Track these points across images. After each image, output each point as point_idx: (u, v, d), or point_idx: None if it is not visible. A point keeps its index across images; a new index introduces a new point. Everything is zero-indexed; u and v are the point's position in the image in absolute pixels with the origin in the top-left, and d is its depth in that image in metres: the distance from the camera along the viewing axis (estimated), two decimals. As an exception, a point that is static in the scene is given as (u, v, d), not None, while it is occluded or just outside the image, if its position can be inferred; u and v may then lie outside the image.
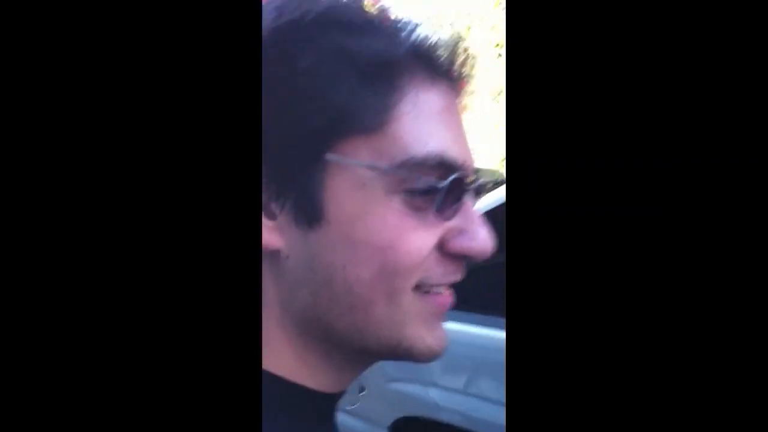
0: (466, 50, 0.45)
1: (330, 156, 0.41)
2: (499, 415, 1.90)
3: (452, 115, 0.44)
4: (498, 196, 2.07)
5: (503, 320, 1.93)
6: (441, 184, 0.41)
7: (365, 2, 0.44)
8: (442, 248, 0.43)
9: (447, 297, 0.45)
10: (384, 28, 0.43)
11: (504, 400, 1.84)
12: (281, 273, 0.43)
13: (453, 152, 0.42)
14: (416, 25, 0.44)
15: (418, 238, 0.42)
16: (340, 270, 0.42)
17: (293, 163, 0.41)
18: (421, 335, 0.43)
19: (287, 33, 0.41)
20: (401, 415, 2.21)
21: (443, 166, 0.42)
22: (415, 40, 0.43)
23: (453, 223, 0.43)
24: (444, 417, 2.06)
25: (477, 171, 0.45)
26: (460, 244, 0.43)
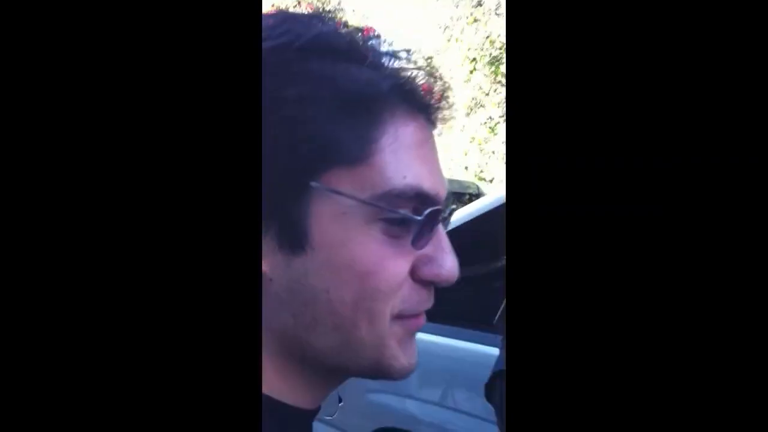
0: (444, 85, 0.48)
1: (315, 185, 0.43)
2: (473, 427, 1.91)
3: (428, 148, 0.47)
4: (480, 205, 2.10)
5: (479, 333, 1.96)
6: (418, 217, 0.44)
7: (354, 30, 0.47)
8: (413, 275, 0.45)
9: (421, 318, 0.48)
10: (371, 60, 0.45)
11: (478, 412, 1.91)
12: (265, 296, 0.45)
13: (428, 185, 0.45)
14: (399, 60, 0.46)
15: (395, 265, 0.44)
16: (323, 293, 0.44)
17: (278, 190, 0.43)
18: (397, 355, 0.46)
19: (275, 58, 0.43)
20: (378, 426, 2.20)
21: (419, 197, 0.44)
22: (398, 76, 0.46)
23: (423, 251, 0.45)
24: (421, 429, 2.06)
25: (448, 200, 0.48)
26: (430, 271, 0.45)
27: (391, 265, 0.44)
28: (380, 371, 0.46)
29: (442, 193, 0.46)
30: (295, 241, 0.43)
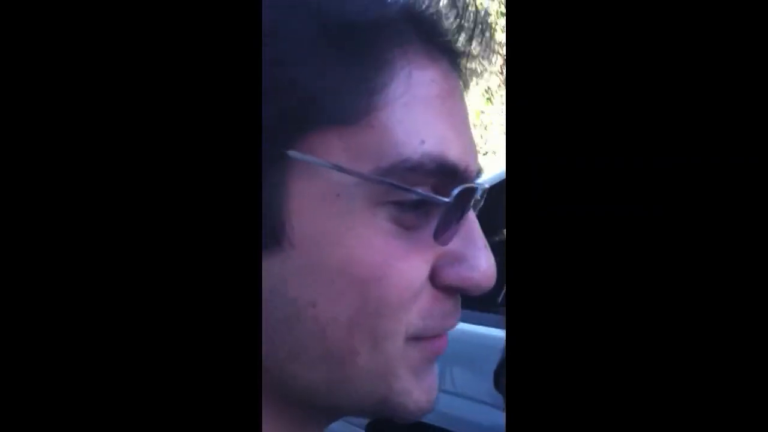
0: (478, 10, 0.35)
1: (293, 153, 0.31)
2: (474, 411, 1.88)
3: (455, 102, 0.34)
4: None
5: (478, 314, 1.94)
6: (444, 199, 0.32)
7: None
8: (435, 280, 0.34)
9: (443, 341, 0.36)
10: None
11: (478, 396, 1.87)
12: None
13: (455, 153, 0.33)
14: None
15: (410, 268, 0.33)
16: (308, 309, 0.32)
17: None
18: (410, 390, 0.34)
19: None
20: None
21: (443, 171, 0.33)
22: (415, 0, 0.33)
23: (449, 246, 0.34)
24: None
25: (480, 172, 0.36)
26: (458, 275, 0.34)
27: (405, 268, 0.32)
28: (388, 410, 0.35)
29: (473, 166, 0.35)
30: (268, 233, 0.32)
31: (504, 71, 0.34)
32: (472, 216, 0.35)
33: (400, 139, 0.32)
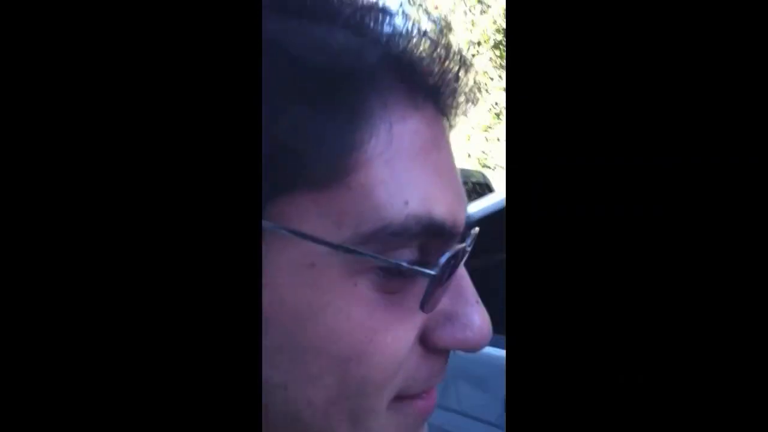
0: (461, 54, 0.33)
1: (264, 223, 0.28)
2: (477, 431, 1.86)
3: (440, 152, 0.31)
4: (491, 201, 2.03)
5: (495, 336, 1.89)
6: (431, 272, 0.29)
7: None
8: (425, 342, 0.32)
9: (430, 399, 0.33)
10: (343, 18, 0.30)
11: (481, 415, 1.85)
12: None
13: (442, 210, 0.30)
14: (393, 18, 0.31)
15: (395, 339, 0.30)
16: (279, 390, 0.29)
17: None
18: None
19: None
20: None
21: (429, 231, 0.30)
22: (392, 42, 0.30)
23: (439, 305, 0.32)
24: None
25: (470, 225, 0.34)
26: (451, 336, 0.31)
27: (390, 340, 0.29)
28: None
29: (461, 217, 0.32)
30: None
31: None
32: (461, 271, 0.33)
33: (382, 202, 0.28)
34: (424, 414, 0.32)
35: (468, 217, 0.33)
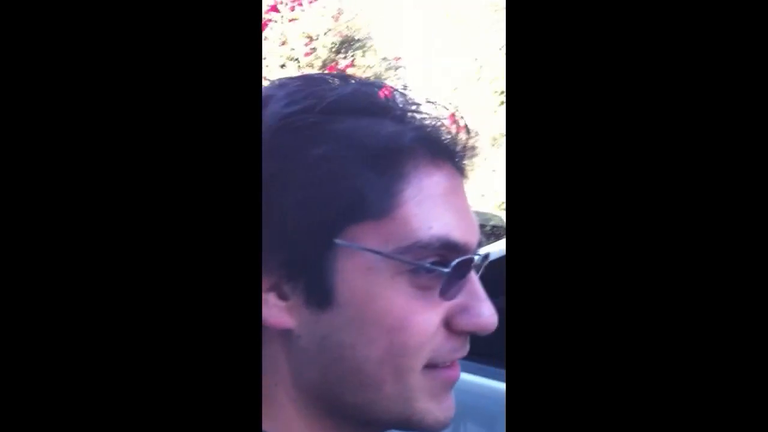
0: (470, 134, 0.48)
1: (339, 242, 0.44)
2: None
3: (456, 196, 0.47)
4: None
5: (492, 369, 1.92)
6: (444, 269, 0.44)
7: (375, 85, 0.48)
8: (448, 326, 0.45)
9: (454, 370, 0.47)
10: (391, 115, 0.46)
11: None
12: (293, 351, 0.45)
13: (457, 234, 0.45)
14: (421, 110, 0.47)
15: (424, 320, 0.44)
16: (349, 350, 0.44)
17: (306, 247, 0.44)
18: (429, 409, 0.45)
19: (299, 122, 0.44)
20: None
21: (447, 247, 0.44)
22: (421, 126, 0.46)
23: (457, 300, 0.45)
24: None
25: (481, 244, 0.49)
26: (466, 322, 0.45)
27: (420, 320, 0.44)
28: (413, 424, 0.46)
29: (473, 240, 0.46)
30: (322, 297, 0.44)
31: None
32: (473, 276, 0.47)
33: (414, 227, 0.44)
34: (450, 381, 0.47)
35: (479, 244, 0.48)
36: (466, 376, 1.95)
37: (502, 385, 1.78)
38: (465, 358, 0.44)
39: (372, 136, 0.44)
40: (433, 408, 0.46)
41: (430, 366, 0.45)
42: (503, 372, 1.76)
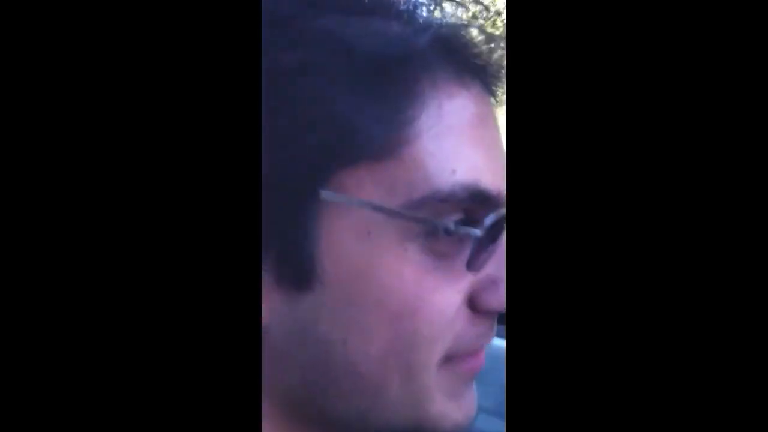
0: (503, 37, 0.35)
1: (325, 193, 0.31)
2: (483, 423, 1.87)
3: (487, 128, 0.34)
4: None
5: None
6: (476, 231, 0.32)
7: None
8: (472, 304, 0.34)
9: (479, 359, 0.36)
10: (397, 9, 0.34)
11: (479, 404, 1.87)
12: (264, 350, 0.33)
13: (487, 179, 0.33)
14: (443, 6, 0.35)
15: (443, 300, 0.33)
16: (339, 345, 0.32)
17: (276, 203, 0.31)
18: (446, 412, 0.35)
19: (271, 16, 0.32)
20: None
21: (476, 199, 0.32)
22: (440, 25, 0.34)
23: (485, 270, 0.34)
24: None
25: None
26: (498, 300, 0.34)
27: (438, 299, 0.32)
28: (425, 430, 0.35)
29: (504, 188, 0.35)
30: (300, 273, 0.32)
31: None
32: (503, 239, 0.35)
33: (431, 172, 0.32)
34: (473, 372, 0.36)
35: None
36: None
37: (500, 342, 1.80)
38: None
39: (371, 38, 0.32)
40: (452, 409, 0.35)
41: (449, 358, 0.34)
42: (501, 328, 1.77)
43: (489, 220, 0.32)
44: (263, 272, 0.32)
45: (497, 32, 0.35)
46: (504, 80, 0.36)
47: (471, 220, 0.33)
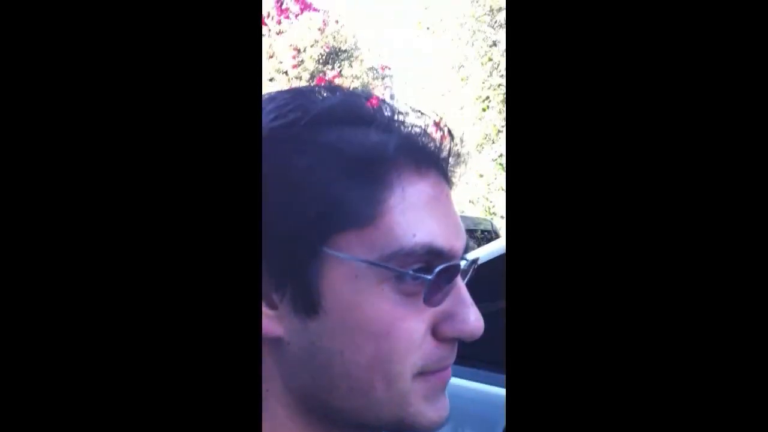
0: (453, 136, 0.49)
1: (325, 250, 0.44)
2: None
3: (440, 203, 0.47)
4: (495, 247, 2.10)
5: (491, 374, 1.92)
6: (427, 276, 0.44)
7: (362, 94, 0.48)
8: (435, 333, 0.45)
9: (446, 372, 0.47)
10: (377, 124, 0.47)
11: None
12: (284, 358, 0.46)
13: (441, 240, 0.45)
14: (406, 119, 0.48)
15: (410, 326, 0.44)
16: (338, 355, 0.44)
17: (292, 257, 0.44)
18: (422, 411, 0.46)
19: (284, 134, 0.45)
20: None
21: (431, 253, 0.44)
22: (406, 135, 0.47)
23: (443, 307, 0.45)
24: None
25: (467, 250, 0.49)
26: (452, 328, 0.45)
27: (405, 326, 0.44)
28: (406, 427, 0.46)
29: (458, 246, 0.46)
30: (309, 304, 0.44)
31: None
32: (459, 282, 0.47)
33: (398, 235, 0.44)
34: (443, 383, 0.47)
35: (466, 250, 0.48)
36: (463, 382, 1.93)
37: (500, 391, 1.78)
38: (462, 364, 0.45)
39: (356, 146, 0.45)
40: (427, 409, 0.46)
41: (422, 372, 0.45)
42: (502, 377, 1.76)
43: (438, 268, 0.44)
44: (285, 303, 0.45)
45: (446, 131, 0.48)
46: (454, 168, 0.49)
47: (427, 269, 0.44)
